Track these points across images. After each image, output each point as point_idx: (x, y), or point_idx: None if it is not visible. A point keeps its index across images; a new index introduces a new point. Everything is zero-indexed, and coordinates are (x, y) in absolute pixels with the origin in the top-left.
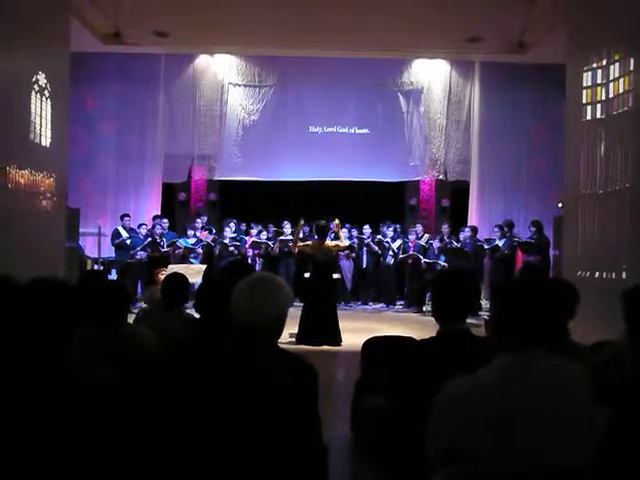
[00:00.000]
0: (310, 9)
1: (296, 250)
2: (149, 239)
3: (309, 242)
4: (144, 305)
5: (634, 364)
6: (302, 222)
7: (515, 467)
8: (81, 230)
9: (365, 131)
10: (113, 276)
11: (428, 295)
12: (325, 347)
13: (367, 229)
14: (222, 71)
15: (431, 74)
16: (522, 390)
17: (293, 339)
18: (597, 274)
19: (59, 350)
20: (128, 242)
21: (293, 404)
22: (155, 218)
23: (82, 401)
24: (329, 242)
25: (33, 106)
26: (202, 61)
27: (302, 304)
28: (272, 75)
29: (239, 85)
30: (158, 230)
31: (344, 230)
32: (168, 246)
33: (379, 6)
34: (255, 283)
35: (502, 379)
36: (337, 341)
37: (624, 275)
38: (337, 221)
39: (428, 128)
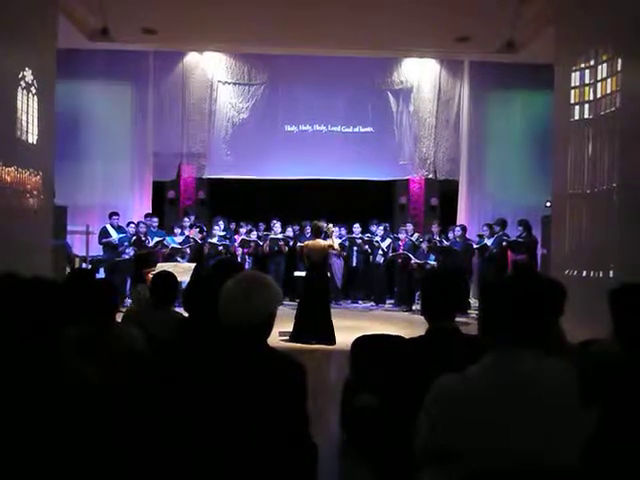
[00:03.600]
0: (300, 7)
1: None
2: (134, 237)
3: (308, 242)
4: (132, 304)
5: (621, 362)
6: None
7: (504, 466)
8: (69, 228)
9: (355, 130)
10: (101, 274)
11: (418, 294)
12: (316, 346)
13: (357, 228)
14: (211, 69)
15: (421, 73)
16: (511, 388)
17: (283, 338)
18: (585, 273)
19: (45, 349)
20: (117, 241)
21: (282, 402)
22: (147, 216)
23: (67, 400)
24: (323, 241)
25: (19, 103)
26: (191, 59)
27: (293, 303)
28: (262, 73)
29: (228, 83)
30: (142, 229)
31: (334, 229)
32: (155, 244)
33: (369, 5)
34: (243, 282)
35: (491, 377)
36: (331, 341)
37: (611, 274)
38: (330, 226)
39: (418, 127)
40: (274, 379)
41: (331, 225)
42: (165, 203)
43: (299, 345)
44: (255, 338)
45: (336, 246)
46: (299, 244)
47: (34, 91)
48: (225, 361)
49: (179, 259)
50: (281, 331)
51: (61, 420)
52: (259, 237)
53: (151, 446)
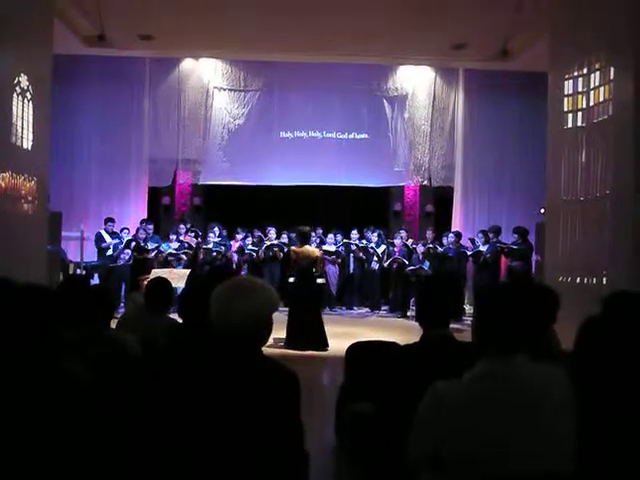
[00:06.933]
0: (296, 15)
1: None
2: (133, 243)
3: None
4: (127, 310)
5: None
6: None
7: (499, 472)
8: (63, 234)
9: (350, 136)
10: (95, 281)
11: (412, 300)
12: (311, 352)
13: (355, 234)
14: (207, 75)
15: (416, 80)
16: (505, 394)
17: (276, 344)
18: (578, 279)
19: (38, 354)
20: (111, 248)
21: (273, 410)
22: (142, 222)
23: (60, 403)
24: (311, 248)
25: (15, 108)
26: (187, 65)
27: (287, 309)
28: (257, 80)
29: (224, 89)
30: (142, 235)
31: (330, 236)
32: (152, 250)
33: (365, 13)
34: (234, 286)
35: (484, 383)
36: (323, 346)
37: (604, 280)
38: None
39: (413, 134)
40: (266, 387)
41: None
42: (160, 209)
43: (293, 351)
44: (247, 344)
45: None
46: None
47: (29, 97)
48: (215, 368)
49: (175, 265)
50: (275, 337)
51: (54, 423)
52: (254, 243)
53: (141, 449)
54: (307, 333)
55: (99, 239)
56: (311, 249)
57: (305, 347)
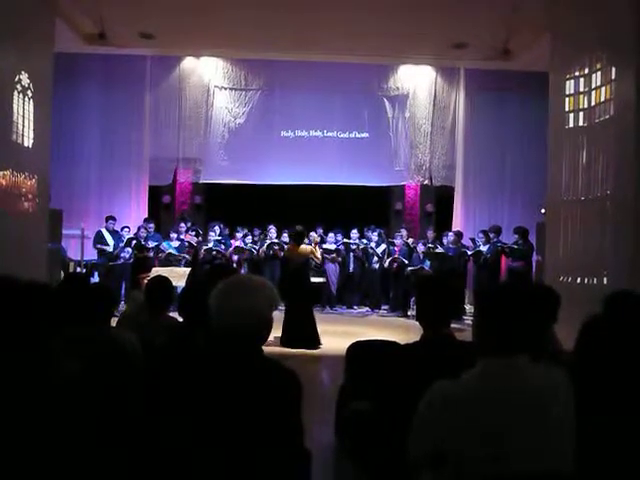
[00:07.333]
0: (297, 14)
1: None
2: (134, 241)
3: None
4: (127, 308)
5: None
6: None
7: (498, 471)
8: (64, 232)
9: (351, 136)
10: (96, 279)
11: (413, 299)
12: (308, 351)
13: (355, 233)
14: (208, 74)
15: (417, 80)
16: (504, 394)
17: (273, 342)
18: (579, 279)
19: (36, 352)
20: (111, 248)
21: (274, 409)
22: (145, 221)
23: (56, 402)
24: (305, 247)
25: (15, 106)
26: (188, 63)
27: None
28: (258, 78)
29: (225, 88)
30: (142, 234)
31: (330, 235)
32: (152, 249)
33: (366, 12)
34: (234, 284)
35: (484, 383)
36: (315, 345)
37: (605, 280)
38: (317, 238)
39: (413, 133)
40: (267, 386)
41: (317, 238)
42: (161, 208)
43: (291, 350)
44: (246, 343)
45: (318, 255)
46: (287, 247)
47: (30, 95)
48: (217, 367)
49: (176, 265)
50: (276, 336)
51: (51, 423)
52: (254, 242)
53: (144, 449)
54: (299, 332)
55: (99, 238)
56: (306, 248)
57: (297, 345)
